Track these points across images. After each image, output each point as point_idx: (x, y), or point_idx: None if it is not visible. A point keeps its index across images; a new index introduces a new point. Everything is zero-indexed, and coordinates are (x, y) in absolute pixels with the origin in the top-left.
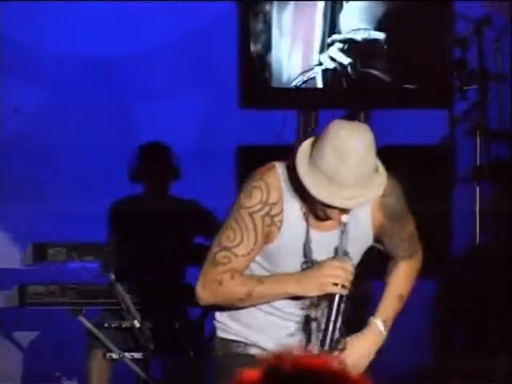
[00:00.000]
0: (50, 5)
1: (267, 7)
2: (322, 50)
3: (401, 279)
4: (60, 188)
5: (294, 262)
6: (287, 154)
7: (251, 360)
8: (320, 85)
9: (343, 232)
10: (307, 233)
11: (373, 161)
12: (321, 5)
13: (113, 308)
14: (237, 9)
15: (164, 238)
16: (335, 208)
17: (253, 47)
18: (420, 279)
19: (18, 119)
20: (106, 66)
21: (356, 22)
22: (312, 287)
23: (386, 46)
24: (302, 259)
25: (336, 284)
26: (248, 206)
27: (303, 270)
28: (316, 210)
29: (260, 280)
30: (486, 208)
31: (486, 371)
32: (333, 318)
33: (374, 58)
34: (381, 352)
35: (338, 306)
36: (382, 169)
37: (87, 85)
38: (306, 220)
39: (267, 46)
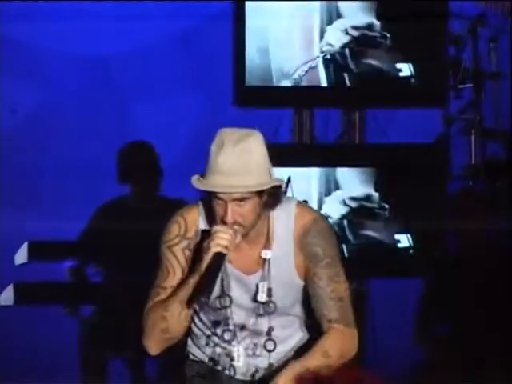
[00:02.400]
0: (47, 4)
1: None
2: (321, 38)
3: (328, 339)
4: (57, 186)
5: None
6: (281, 153)
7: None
8: (322, 74)
9: (267, 271)
10: (225, 268)
11: (261, 159)
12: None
13: (108, 307)
14: (233, 6)
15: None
16: (225, 202)
17: (249, 44)
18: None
19: (14, 118)
20: (103, 64)
21: (355, 11)
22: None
23: (384, 41)
24: (218, 293)
25: (220, 245)
26: (166, 240)
27: (218, 308)
28: (219, 217)
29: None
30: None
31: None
32: (213, 274)
33: (372, 48)
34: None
35: (220, 263)
36: (277, 178)
37: (84, 83)
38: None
39: (265, 43)
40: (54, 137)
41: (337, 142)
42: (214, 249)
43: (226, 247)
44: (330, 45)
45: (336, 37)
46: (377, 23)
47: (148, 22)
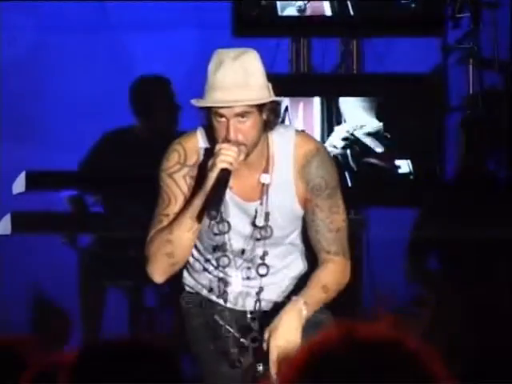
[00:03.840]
0: None
1: None
2: None
3: (326, 272)
4: (54, 120)
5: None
6: (279, 83)
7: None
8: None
9: (266, 196)
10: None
11: (260, 74)
12: None
13: (107, 236)
14: None
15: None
16: (227, 119)
17: None
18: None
19: (14, 50)
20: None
21: None
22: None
23: None
24: (217, 219)
25: (225, 161)
26: (166, 167)
27: (216, 234)
28: (222, 137)
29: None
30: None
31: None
32: (220, 191)
33: None
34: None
35: (226, 180)
36: (275, 97)
37: (82, 17)
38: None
39: None
40: (54, 68)
41: (334, 71)
42: (220, 165)
43: (231, 164)
44: None
45: None
46: None
47: None
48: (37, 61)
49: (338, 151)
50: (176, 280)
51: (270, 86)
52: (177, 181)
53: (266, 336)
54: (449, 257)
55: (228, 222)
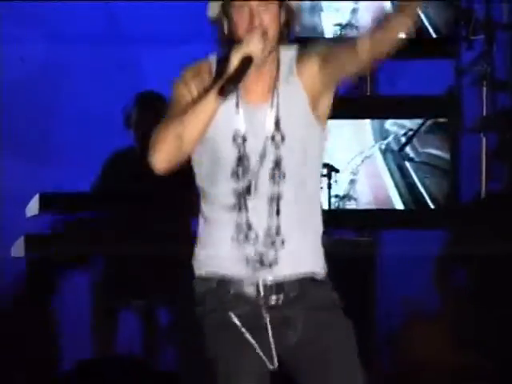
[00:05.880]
0: None
1: None
2: None
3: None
4: (65, 138)
5: (226, 134)
6: None
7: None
8: None
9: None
10: (237, 104)
11: None
12: None
13: (118, 256)
14: None
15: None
16: (250, 8)
17: None
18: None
19: (23, 68)
20: (113, 11)
21: None
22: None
23: None
24: (233, 128)
25: (249, 48)
26: (178, 80)
27: (237, 143)
28: (242, 24)
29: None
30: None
31: None
32: (241, 74)
33: None
34: None
35: (247, 68)
36: None
37: (91, 32)
38: (237, 95)
39: None
40: (64, 87)
41: (348, 93)
42: (246, 49)
43: (256, 53)
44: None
45: None
46: None
47: None
48: (47, 78)
49: (354, 176)
50: (189, 299)
51: None
52: (190, 88)
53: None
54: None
55: (244, 133)
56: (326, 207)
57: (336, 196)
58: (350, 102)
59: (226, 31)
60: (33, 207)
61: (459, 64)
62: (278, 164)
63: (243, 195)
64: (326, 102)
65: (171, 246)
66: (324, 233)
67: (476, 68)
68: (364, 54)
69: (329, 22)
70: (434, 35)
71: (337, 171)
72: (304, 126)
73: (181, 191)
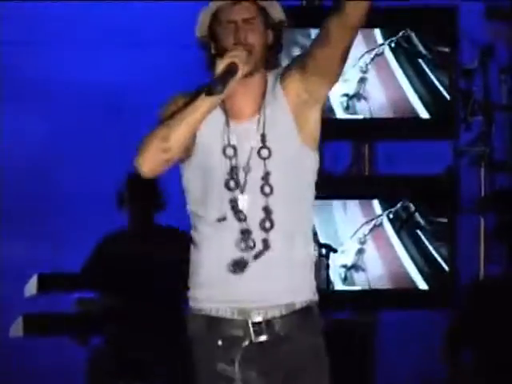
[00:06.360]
0: (55, 28)
1: None
2: None
3: None
4: (63, 218)
5: (217, 152)
6: None
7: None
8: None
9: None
10: (227, 122)
11: None
12: None
13: (118, 337)
14: None
15: (151, 268)
16: (235, 23)
17: None
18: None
19: (19, 147)
20: (105, 91)
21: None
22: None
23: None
24: (225, 143)
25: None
26: (169, 102)
27: (226, 156)
28: (228, 39)
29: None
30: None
31: None
32: (228, 76)
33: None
34: None
35: (233, 74)
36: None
37: (86, 110)
38: (224, 110)
39: None
40: (60, 166)
41: (346, 173)
42: (229, 59)
43: (240, 62)
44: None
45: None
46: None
47: (151, 50)
48: (46, 158)
49: (353, 256)
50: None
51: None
52: (178, 105)
53: None
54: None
55: (233, 146)
56: (324, 287)
57: (343, 266)
58: (347, 182)
59: (213, 50)
60: (31, 287)
61: (458, 145)
62: (266, 178)
63: (235, 209)
64: (314, 116)
65: (170, 327)
66: (323, 314)
67: (474, 149)
68: (336, 29)
69: (336, 93)
70: (433, 116)
71: (335, 251)
72: (290, 141)
73: (176, 281)
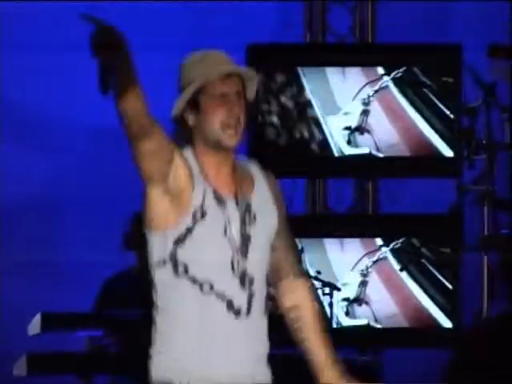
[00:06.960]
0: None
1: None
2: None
3: (308, 297)
4: (67, 256)
5: (218, 237)
6: (295, 223)
7: None
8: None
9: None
10: (214, 193)
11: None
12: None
13: (122, 375)
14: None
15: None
16: (228, 95)
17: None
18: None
19: (20, 186)
20: (110, 133)
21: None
22: None
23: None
24: (223, 224)
25: None
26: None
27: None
28: (221, 113)
29: None
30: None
31: None
32: None
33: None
34: None
35: None
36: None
37: (90, 151)
38: (211, 186)
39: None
40: (64, 205)
41: (350, 211)
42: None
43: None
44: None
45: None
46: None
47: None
48: (49, 194)
49: (354, 292)
50: None
51: None
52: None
53: None
54: None
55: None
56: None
57: (345, 299)
58: (351, 221)
59: (191, 122)
60: (35, 326)
61: (461, 183)
62: (246, 243)
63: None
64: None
65: None
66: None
67: (478, 187)
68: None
69: (337, 127)
70: (437, 154)
71: (338, 290)
72: (271, 215)
73: None
